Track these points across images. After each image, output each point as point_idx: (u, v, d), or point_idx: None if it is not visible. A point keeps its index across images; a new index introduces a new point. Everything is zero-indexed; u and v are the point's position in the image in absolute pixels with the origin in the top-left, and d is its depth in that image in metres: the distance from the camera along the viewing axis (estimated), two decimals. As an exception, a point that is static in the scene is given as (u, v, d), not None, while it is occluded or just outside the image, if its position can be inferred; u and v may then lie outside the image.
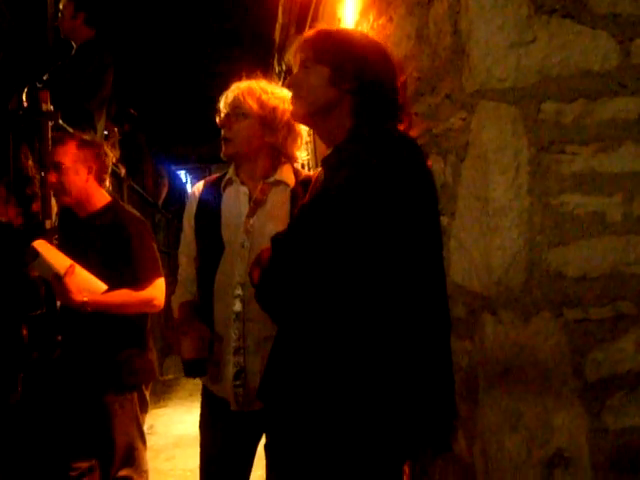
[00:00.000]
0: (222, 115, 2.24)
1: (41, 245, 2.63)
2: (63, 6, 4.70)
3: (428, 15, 1.67)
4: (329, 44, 1.73)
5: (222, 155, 2.25)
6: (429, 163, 1.69)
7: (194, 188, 2.42)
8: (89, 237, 2.75)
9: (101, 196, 2.87)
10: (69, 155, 2.77)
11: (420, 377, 1.56)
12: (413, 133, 1.81)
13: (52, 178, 2.81)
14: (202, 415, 2.34)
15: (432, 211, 1.65)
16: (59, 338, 2.98)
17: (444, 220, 1.63)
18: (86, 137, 2.91)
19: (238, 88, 2.24)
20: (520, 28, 1.41)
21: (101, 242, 2.70)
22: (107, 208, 2.83)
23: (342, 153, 1.65)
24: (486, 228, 1.41)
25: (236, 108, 2.21)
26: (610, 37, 1.43)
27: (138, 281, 2.69)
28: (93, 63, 4.68)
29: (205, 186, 2.37)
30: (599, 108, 1.42)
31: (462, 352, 1.55)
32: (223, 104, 2.25)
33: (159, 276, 2.78)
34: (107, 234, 2.71)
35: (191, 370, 2.15)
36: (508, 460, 1.38)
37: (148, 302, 2.73)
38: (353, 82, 1.67)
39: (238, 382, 2.13)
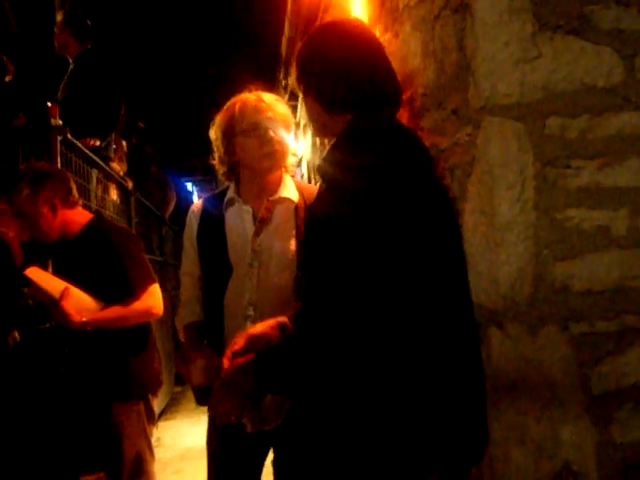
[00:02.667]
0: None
1: (33, 272, 2.64)
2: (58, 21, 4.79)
3: (434, 31, 1.69)
4: (304, 63, 1.71)
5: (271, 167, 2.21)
6: None
7: (193, 207, 2.38)
8: (78, 257, 2.75)
9: (80, 217, 2.86)
10: (27, 203, 2.75)
11: (446, 395, 1.44)
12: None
13: (25, 227, 2.83)
14: (209, 432, 2.32)
15: (444, 210, 1.57)
16: (66, 350, 2.99)
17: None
18: (37, 168, 2.88)
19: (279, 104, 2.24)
20: (525, 44, 1.43)
21: (90, 260, 2.70)
22: (90, 226, 2.83)
23: (341, 155, 1.56)
24: (492, 243, 1.42)
25: (289, 126, 2.24)
26: (614, 52, 1.44)
27: (133, 291, 2.69)
28: (86, 75, 4.75)
29: (204, 205, 2.34)
30: (604, 123, 1.43)
31: (469, 365, 1.55)
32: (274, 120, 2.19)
33: (152, 282, 2.78)
34: (94, 251, 2.71)
35: (202, 397, 2.12)
36: (515, 473, 1.38)
37: (146, 311, 2.73)
38: (342, 94, 1.61)
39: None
